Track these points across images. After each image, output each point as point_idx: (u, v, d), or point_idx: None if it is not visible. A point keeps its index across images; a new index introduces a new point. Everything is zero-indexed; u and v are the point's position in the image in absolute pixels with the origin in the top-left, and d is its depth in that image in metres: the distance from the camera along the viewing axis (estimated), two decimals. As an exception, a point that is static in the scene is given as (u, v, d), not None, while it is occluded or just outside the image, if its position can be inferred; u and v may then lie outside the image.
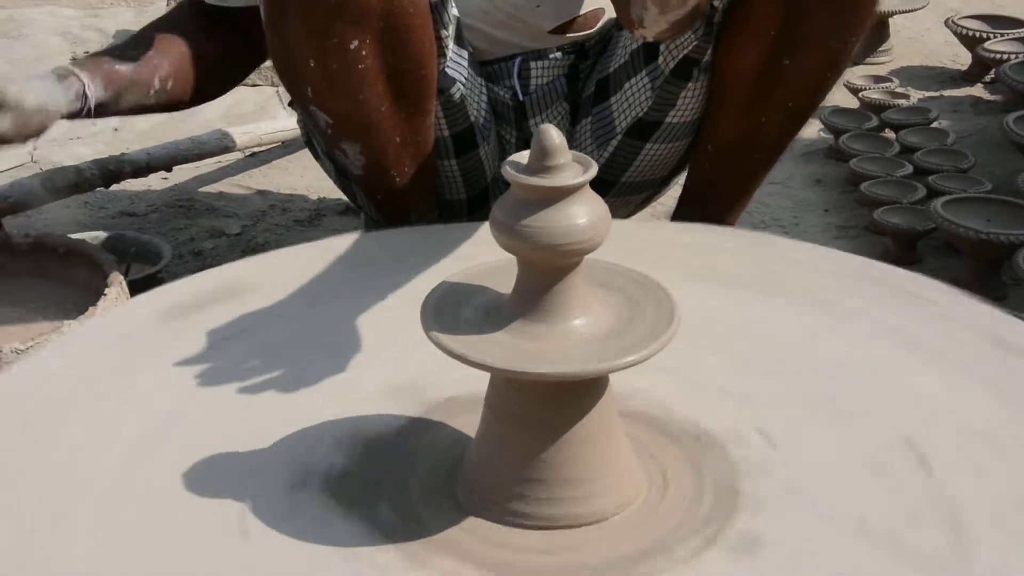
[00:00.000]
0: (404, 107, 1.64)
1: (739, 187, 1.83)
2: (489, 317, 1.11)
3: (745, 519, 1.10)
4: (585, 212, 1.08)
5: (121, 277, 1.74)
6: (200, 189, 2.52)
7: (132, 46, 1.80)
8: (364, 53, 1.56)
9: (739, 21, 1.65)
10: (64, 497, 1.13)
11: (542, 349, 1.08)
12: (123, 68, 1.75)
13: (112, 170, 2.21)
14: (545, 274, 1.10)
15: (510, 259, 1.12)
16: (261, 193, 2.50)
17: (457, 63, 1.73)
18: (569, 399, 1.11)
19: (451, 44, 1.70)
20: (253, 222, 2.37)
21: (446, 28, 1.68)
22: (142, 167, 2.27)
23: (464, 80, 1.74)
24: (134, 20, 3.38)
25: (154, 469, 1.16)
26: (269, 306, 1.43)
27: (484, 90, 1.78)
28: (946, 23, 3.04)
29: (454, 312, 1.12)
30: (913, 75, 3.00)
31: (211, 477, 1.15)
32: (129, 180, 2.48)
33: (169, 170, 2.36)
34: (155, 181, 2.52)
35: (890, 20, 3.11)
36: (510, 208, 1.08)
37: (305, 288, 1.47)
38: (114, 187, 2.47)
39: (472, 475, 1.15)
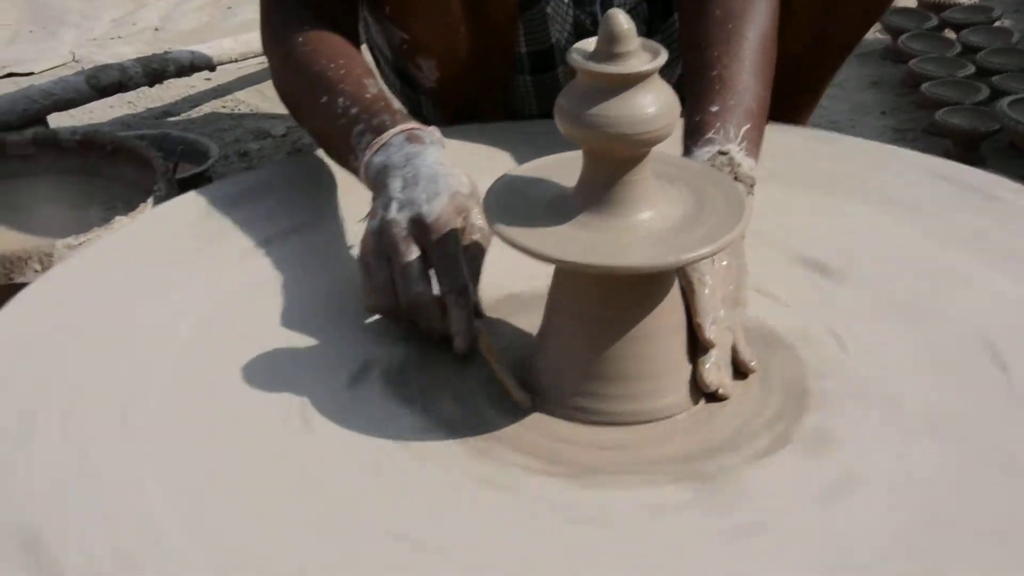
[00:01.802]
0: (485, 25, 1.59)
1: (809, 91, 1.78)
2: (553, 210, 1.08)
3: (815, 418, 1.07)
4: (654, 100, 1.04)
5: (170, 174, 1.71)
6: (244, 90, 2.48)
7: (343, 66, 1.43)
8: None
9: None
10: (126, 388, 1.11)
11: (608, 242, 1.05)
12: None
13: (156, 69, 2.18)
14: (612, 166, 1.06)
15: (575, 153, 1.09)
16: (306, 94, 2.46)
17: None
18: (634, 294, 1.08)
19: None
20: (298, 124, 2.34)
21: None
22: (186, 66, 2.24)
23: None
24: None
25: (213, 363, 1.14)
26: (324, 203, 1.40)
27: (570, 11, 1.72)
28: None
29: (517, 205, 1.09)
30: (972, -25, 2.91)
31: (271, 370, 1.13)
32: (172, 80, 2.46)
33: (213, 70, 2.33)
34: (199, 82, 2.49)
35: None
36: (576, 96, 1.05)
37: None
38: (157, 88, 2.45)
39: (534, 372, 1.12)
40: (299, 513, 0.98)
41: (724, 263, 1.16)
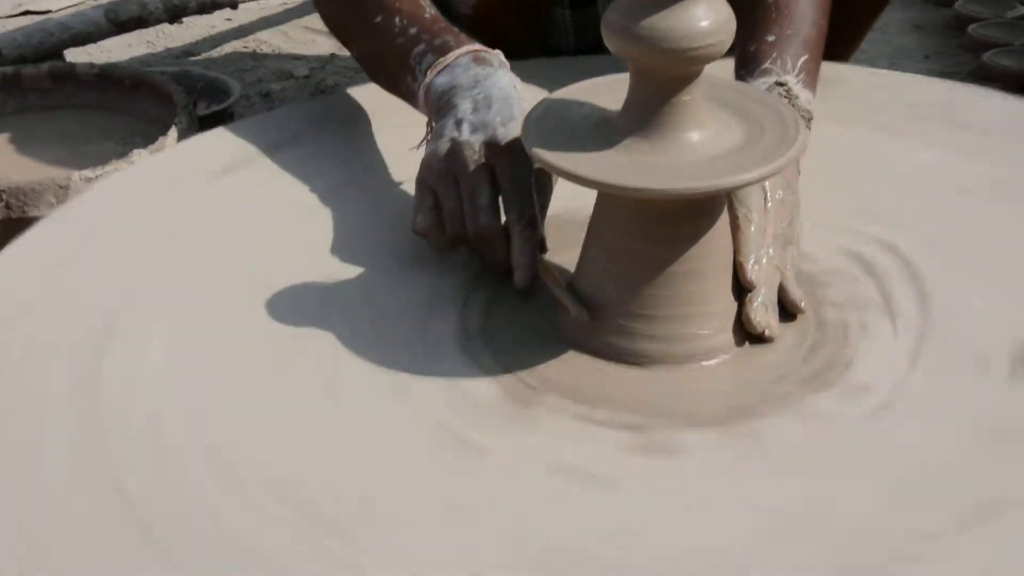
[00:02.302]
0: None
1: (852, 31, 1.70)
2: (597, 133, 1.02)
3: (856, 367, 1.01)
4: (708, 13, 0.97)
5: (191, 108, 1.65)
6: (266, 30, 2.41)
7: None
8: None
9: None
10: (142, 319, 1.06)
11: (653, 166, 0.99)
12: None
13: (177, 4, 2.11)
14: (662, 85, 0.99)
15: (622, 75, 1.02)
16: (329, 35, 2.39)
17: None
18: (680, 225, 1.01)
19: None
20: (322, 64, 2.27)
21: None
22: (207, 3, 2.17)
23: None
24: None
25: (236, 302, 1.08)
26: (361, 139, 1.34)
27: None
28: None
29: (558, 129, 1.03)
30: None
31: (295, 310, 1.07)
32: (193, 20, 2.39)
33: (235, 7, 2.26)
34: (219, 22, 2.43)
35: None
36: (626, 8, 0.98)
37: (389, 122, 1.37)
38: (177, 27, 2.39)
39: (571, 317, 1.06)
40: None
41: (779, 195, 1.09)
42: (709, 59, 0.98)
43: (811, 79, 1.24)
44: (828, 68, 1.31)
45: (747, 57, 1.24)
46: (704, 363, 1.02)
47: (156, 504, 0.87)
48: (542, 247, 1.09)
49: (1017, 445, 0.92)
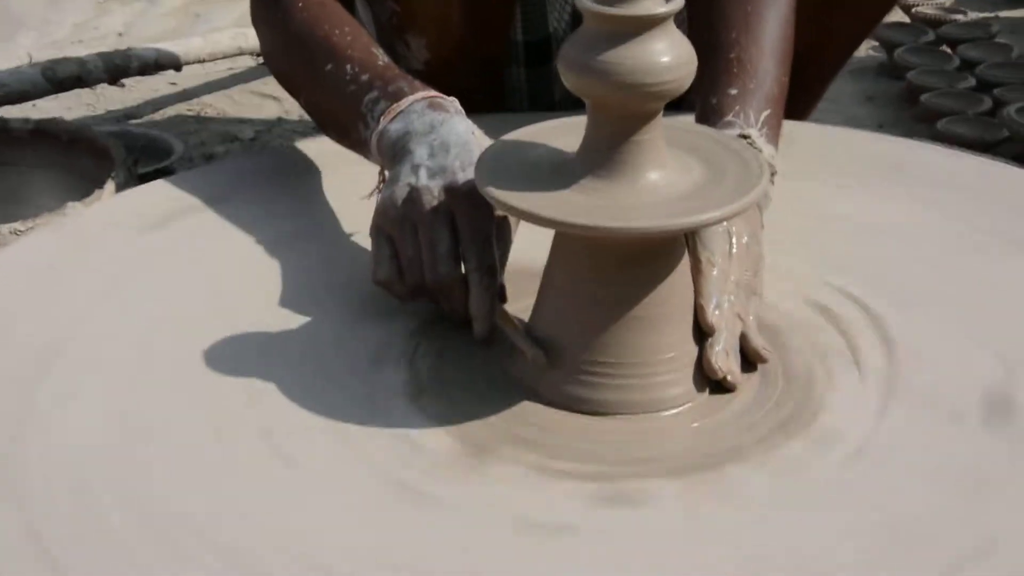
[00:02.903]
0: (480, 3, 1.48)
1: (807, 94, 1.69)
2: (552, 174, 0.98)
3: (823, 416, 0.96)
4: (669, 48, 0.94)
5: (130, 164, 1.59)
6: (211, 94, 2.36)
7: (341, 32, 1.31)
8: None
9: None
10: (73, 369, 1.01)
11: (612, 204, 0.95)
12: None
13: (118, 64, 2.05)
14: (620, 122, 0.96)
15: (577, 118, 0.99)
16: (276, 99, 2.35)
17: None
18: (638, 268, 0.97)
19: None
20: (268, 128, 2.22)
21: None
22: (150, 63, 2.12)
23: None
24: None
25: (175, 355, 1.03)
26: (309, 186, 1.31)
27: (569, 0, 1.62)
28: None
29: (512, 169, 0.98)
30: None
31: (238, 362, 1.02)
32: (135, 84, 2.34)
33: (179, 69, 2.21)
34: (163, 85, 2.37)
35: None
36: (583, 43, 0.94)
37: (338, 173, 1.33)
38: (118, 91, 2.33)
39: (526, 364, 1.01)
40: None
41: (744, 241, 1.05)
42: (669, 96, 0.95)
43: (774, 134, 1.21)
44: (784, 125, 1.29)
45: (708, 109, 1.20)
46: (666, 412, 0.97)
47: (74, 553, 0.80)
48: (501, 296, 1.04)
49: (993, 494, 0.87)
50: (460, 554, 0.82)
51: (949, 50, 2.43)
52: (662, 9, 0.93)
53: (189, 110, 2.30)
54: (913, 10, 2.59)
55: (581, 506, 0.87)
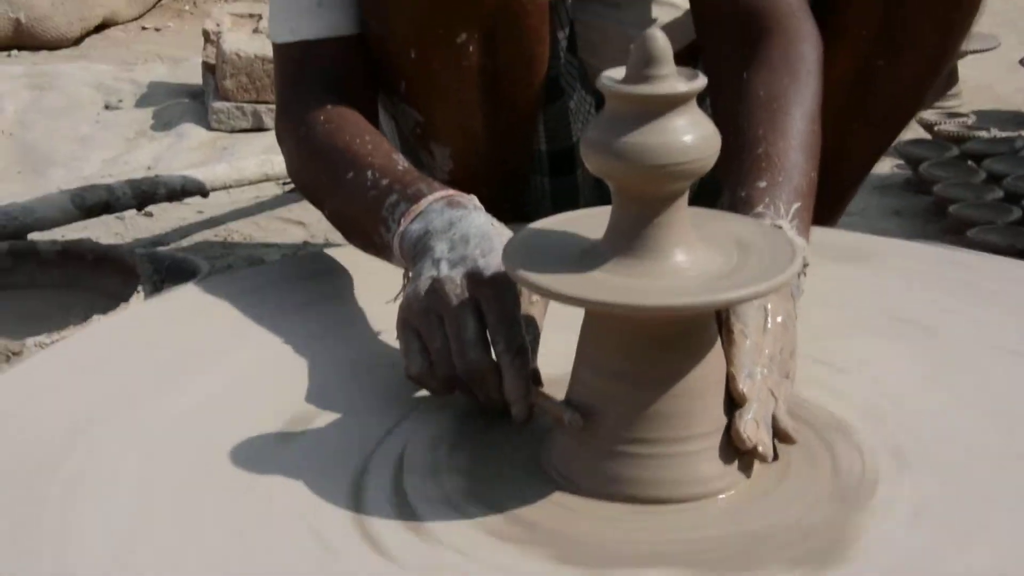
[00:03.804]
0: (504, 113, 1.50)
1: (830, 202, 1.67)
2: (579, 258, 0.96)
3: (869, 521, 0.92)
4: (693, 127, 0.93)
5: (156, 280, 1.59)
6: (237, 221, 2.38)
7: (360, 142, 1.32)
8: (471, 49, 1.41)
9: (832, 31, 1.48)
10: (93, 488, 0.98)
11: (643, 285, 0.93)
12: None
13: (145, 191, 2.07)
14: (644, 204, 0.95)
15: (602, 208, 0.98)
16: (302, 224, 2.36)
17: (569, 74, 1.59)
18: (669, 348, 0.95)
19: (564, 51, 1.57)
20: (294, 251, 2.23)
21: (562, 29, 1.54)
22: (177, 190, 2.14)
23: (574, 94, 1.59)
24: (168, 74, 3.27)
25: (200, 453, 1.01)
26: (338, 287, 1.30)
27: (593, 110, 1.63)
28: (1021, 61, 2.90)
29: (539, 254, 0.97)
30: (987, 118, 2.84)
31: (265, 456, 1.00)
32: (163, 212, 2.36)
33: (205, 195, 2.23)
34: (190, 214, 2.39)
35: (959, 64, 2.96)
36: (606, 125, 0.94)
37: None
38: (146, 220, 2.35)
39: (560, 446, 0.99)
40: None
41: (779, 320, 1.03)
42: (693, 175, 0.94)
43: (804, 227, 1.20)
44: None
45: (737, 202, 1.19)
46: (704, 500, 0.95)
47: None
48: (536, 380, 1.02)
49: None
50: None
51: (975, 164, 2.42)
52: (684, 88, 0.92)
53: (216, 236, 2.31)
54: (936, 128, 2.59)
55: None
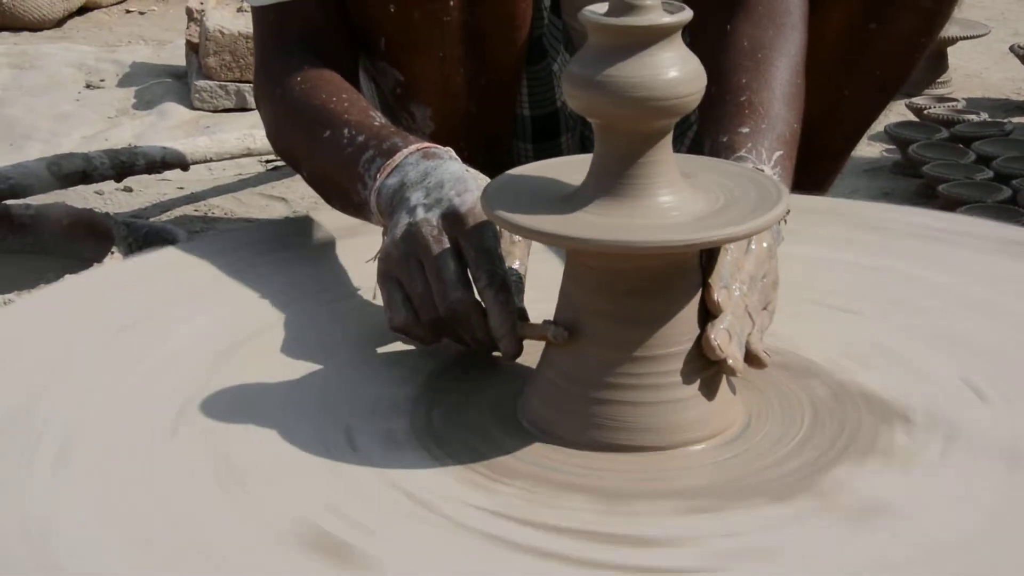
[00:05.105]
0: (486, 74, 1.47)
1: (822, 167, 1.65)
2: (562, 199, 0.94)
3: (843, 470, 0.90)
4: (678, 62, 0.90)
5: (131, 243, 1.56)
6: (218, 197, 2.35)
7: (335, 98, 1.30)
8: (451, 4, 1.39)
9: None
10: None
11: (628, 224, 0.90)
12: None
13: (124, 161, 2.04)
14: (628, 143, 0.92)
15: (583, 156, 0.96)
16: (284, 200, 2.33)
17: (552, 36, 1.56)
18: (654, 296, 0.92)
19: (547, 11, 1.54)
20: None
21: None
22: (156, 161, 2.10)
23: (558, 56, 1.56)
24: (152, 55, 3.24)
25: (176, 407, 0.98)
26: (316, 248, 1.27)
27: None
28: (1011, 49, 2.89)
29: (519, 197, 0.94)
30: (976, 105, 2.82)
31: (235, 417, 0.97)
32: (143, 187, 2.33)
33: (185, 169, 2.19)
34: (170, 190, 2.36)
35: (948, 51, 2.94)
36: (589, 59, 0.91)
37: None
38: (125, 194, 2.32)
39: (540, 395, 0.96)
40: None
41: (765, 245, 0.99)
42: (678, 112, 0.91)
43: (786, 176, 1.17)
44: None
45: (719, 147, 1.16)
46: (682, 449, 0.92)
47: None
48: (523, 317, 0.99)
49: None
50: None
51: (964, 147, 2.40)
52: (670, 20, 0.89)
53: (196, 211, 2.27)
54: (925, 111, 2.57)
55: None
